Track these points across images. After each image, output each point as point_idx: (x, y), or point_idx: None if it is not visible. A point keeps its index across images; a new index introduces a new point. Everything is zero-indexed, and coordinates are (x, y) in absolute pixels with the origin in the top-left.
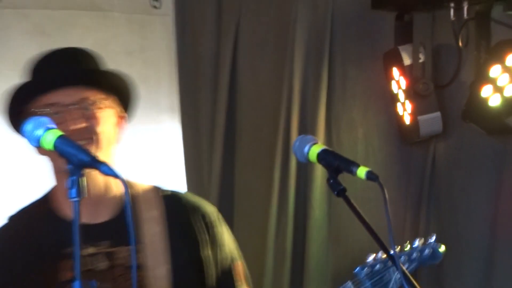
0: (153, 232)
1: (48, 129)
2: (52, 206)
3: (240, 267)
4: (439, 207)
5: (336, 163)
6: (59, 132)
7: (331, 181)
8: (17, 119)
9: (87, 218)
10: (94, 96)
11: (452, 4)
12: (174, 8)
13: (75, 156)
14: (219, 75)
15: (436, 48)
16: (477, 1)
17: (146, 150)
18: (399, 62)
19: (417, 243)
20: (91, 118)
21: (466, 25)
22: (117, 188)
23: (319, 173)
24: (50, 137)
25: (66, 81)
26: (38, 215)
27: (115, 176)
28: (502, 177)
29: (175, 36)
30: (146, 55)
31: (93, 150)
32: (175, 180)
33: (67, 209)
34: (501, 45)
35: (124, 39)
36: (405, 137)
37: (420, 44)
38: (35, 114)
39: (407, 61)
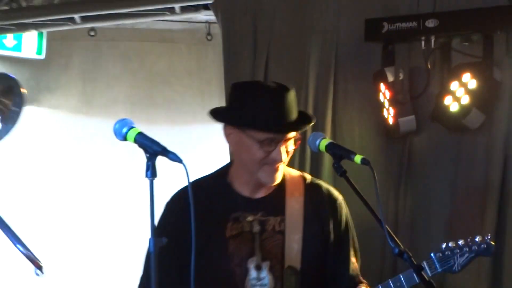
0: (294, 208)
1: (131, 127)
2: (228, 181)
3: (354, 242)
4: (413, 186)
5: (339, 152)
6: (138, 130)
7: (336, 165)
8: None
9: (250, 194)
10: (296, 135)
11: (423, 38)
12: (222, 40)
13: (150, 147)
14: None
15: (411, 69)
16: (441, 35)
17: (203, 146)
18: (384, 79)
19: (477, 238)
20: (288, 152)
21: (433, 52)
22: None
23: (326, 160)
24: (132, 133)
25: (287, 131)
26: (216, 185)
27: (180, 162)
28: (458, 162)
29: (223, 60)
30: (202, 75)
31: (279, 174)
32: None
33: (240, 187)
34: (458, 67)
35: (186, 63)
36: (389, 134)
37: (400, 66)
38: (257, 141)
39: (390, 78)
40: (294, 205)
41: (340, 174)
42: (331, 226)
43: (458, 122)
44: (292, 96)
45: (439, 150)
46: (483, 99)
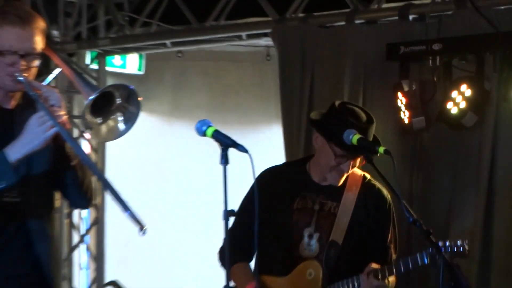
0: (348, 198)
1: (209, 126)
2: (307, 168)
3: (395, 234)
4: (424, 171)
5: (369, 145)
6: (214, 128)
7: (366, 154)
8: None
9: (319, 181)
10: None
11: (430, 57)
12: (278, 60)
13: (223, 141)
14: (303, 99)
15: (421, 81)
16: (444, 56)
17: (264, 142)
18: (401, 89)
19: (459, 242)
20: (354, 166)
21: (438, 69)
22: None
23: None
24: (209, 131)
25: (357, 155)
26: (294, 170)
27: (246, 152)
28: (457, 153)
29: (279, 76)
30: (263, 87)
31: (342, 179)
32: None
33: (313, 174)
34: (457, 80)
35: (251, 77)
36: (404, 130)
37: (413, 79)
38: (335, 153)
39: (406, 88)
40: (350, 196)
41: (369, 161)
42: (376, 217)
43: (457, 121)
44: (372, 128)
45: (443, 143)
46: (476, 104)
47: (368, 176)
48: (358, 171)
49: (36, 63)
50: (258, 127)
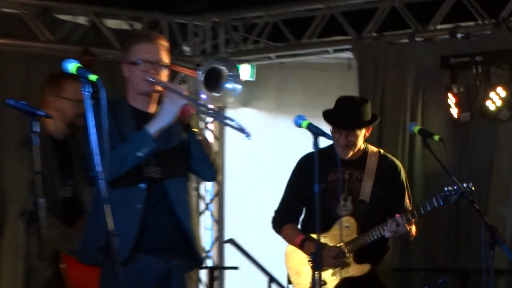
0: (370, 167)
1: (304, 120)
2: (334, 149)
3: (408, 192)
4: (470, 154)
5: (430, 135)
6: (308, 121)
7: (425, 141)
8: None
9: (343, 156)
10: (360, 131)
11: (474, 67)
12: (357, 70)
13: (315, 131)
14: (376, 99)
15: (467, 85)
16: (484, 65)
17: None
18: (452, 91)
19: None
20: (356, 138)
21: (480, 75)
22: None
23: (418, 142)
24: (305, 123)
25: (352, 128)
26: (329, 150)
27: (331, 139)
28: (495, 140)
29: (358, 82)
30: (346, 90)
31: (350, 152)
32: None
33: (340, 153)
34: (495, 84)
35: (336, 82)
36: (454, 123)
37: (461, 83)
38: (334, 132)
39: (455, 90)
40: (371, 165)
41: (426, 146)
42: (392, 179)
43: (495, 116)
44: (366, 106)
45: (484, 133)
46: (509, 102)
47: (382, 151)
48: (374, 148)
49: (164, 71)
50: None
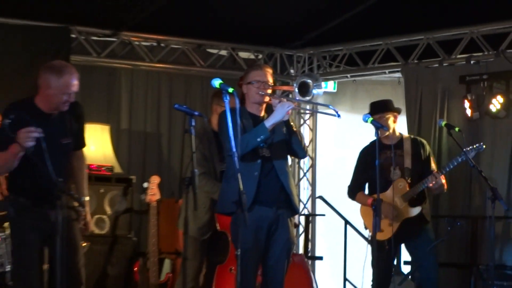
0: (406, 146)
1: (369, 117)
2: (381, 142)
3: (434, 160)
4: (478, 141)
5: (453, 127)
6: (372, 118)
7: (449, 132)
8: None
9: (387, 142)
10: (389, 114)
11: (481, 83)
12: (404, 85)
13: (376, 125)
14: (416, 106)
15: (477, 95)
16: (489, 82)
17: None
18: (467, 98)
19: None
20: (394, 122)
21: (485, 88)
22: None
23: (445, 133)
24: (370, 120)
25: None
26: (375, 145)
27: (387, 130)
28: (495, 132)
29: (405, 95)
30: (398, 101)
31: (385, 132)
32: None
33: (384, 140)
34: (496, 93)
35: (390, 94)
36: (469, 120)
37: (473, 94)
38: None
39: (469, 98)
40: (407, 145)
41: (450, 135)
42: (423, 153)
43: (495, 115)
44: (390, 105)
45: (489, 127)
46: (505, 106)
47: (412, 135)
48: (407, 134)
49: (269, 89)
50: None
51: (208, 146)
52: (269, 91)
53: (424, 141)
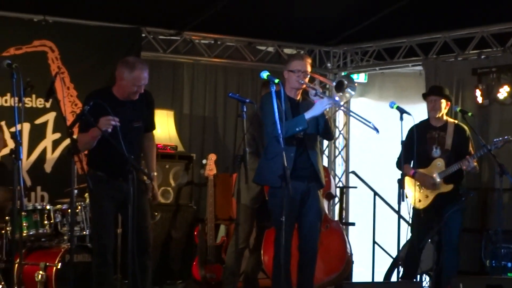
0: (449, 130)
1: (395, 104)
2: (429, 122)
3: (472, 142)
4: (491, 125)
5: (466, 112)
6: (397, 105)
7: (463, 116)
8: None
9: (434, 124)
10: (441, 100)
11: (491, 74)
12: (425, 76)
13: (401, 110)
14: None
15: (487, 84)
16: (497, 73)
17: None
18: (478, 88)
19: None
20: (440, 107)
21: (494, 79)
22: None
23: (460, 117)
24: (395, 106)
25: (438, 94)
26: (425, 124)
27: (410, 115)
28: (502, 117)
29: (425, 84)
30: (417, 90)
31: (437, 113)
32: None
33: (432, 121)
34: (503, 83)
35: (413, 84)
36: (479, 106)
37: (483, 83)
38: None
39: (480, 87)
40: (450, 129)
41: (464, 119)
42: (462, 137)
43: (503, 102)
44: (445, 91)
45: (497, 112)
46: (511, 94)
47: (457, 121)
48: (452, 120)
49: (307, 77)
50: (415, 106)
51: (258, 128)
52: (307, 80)
53: (466, 127)
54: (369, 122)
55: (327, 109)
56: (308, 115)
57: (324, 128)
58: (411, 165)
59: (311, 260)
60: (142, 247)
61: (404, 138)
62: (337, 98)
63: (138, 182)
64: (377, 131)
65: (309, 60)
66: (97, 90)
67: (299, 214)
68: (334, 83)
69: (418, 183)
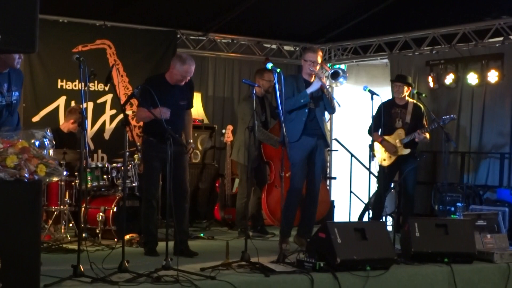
0: (409, 107)
1: (367, 88)
2: (394, 101)
3: (426, 119)
4: (438, 103)
5: (422, 94)
6: (369, 88)
7: (419, 97)
8: None
9: (399, 103)
10: (404, 86)
11: (439, 66)
12: (390, 67)
13: (372, 92)
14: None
15: (437, 73)
16: (444, 65)
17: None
18: (430, 75)
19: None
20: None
21: (442, 69)
22: None
23: (416, 98)
24: (367, 89)
25: (402, 81)
26: (391, 102)
27: (375, 94)
28: (449, 96)
29: (390, 73)
30: (385, 78)
31: (401, 95)
32: None
33: (397, 100)
34: (449, 72)
35: (380, 72)
36: (431, 90)
37: (434, 71)
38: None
39: (432, 75)
40: (410, 107)
41: (419, 99)
42: (418, 113)
43: (449, 86)
44: (409, 79)
45: (445, 93)
46: (455, 81)
47: (415, 101)
48: (411, 100)
49: (318, 66)
50: (382, 89)
51: (262, 106)
52: (318, 67)
53: (422, 106)
54: (334, 99)
55: (326, 88)
56: (309, 90)
57: (326, 103)
58: (379, 133)
59: (315, 197)
60: (181, 194)
61: (374, 113)
62: (327, 83)
63: (180, 145)
64: (339, 105)
65: (320, 53)
66: (153, 75)
67: (308, 162)
68: (331, 72)
69: (384, 147)
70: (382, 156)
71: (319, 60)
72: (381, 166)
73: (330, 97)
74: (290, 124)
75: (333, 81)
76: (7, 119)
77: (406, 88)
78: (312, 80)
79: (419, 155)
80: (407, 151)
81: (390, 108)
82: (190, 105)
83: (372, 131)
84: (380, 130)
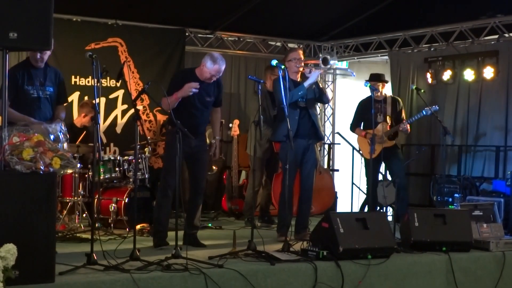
0: (388, 102)
1: (368, 83)
2: (373, 98)
3: (405, 111)
4: (436, 98)
5: (420, 90)
6: (370, 84)
7: (418, 92)
8: None
9: (378, 98)
10: (382, 84)
11: (437, 62)
12: (390, 63)
13: (372, 88)
14: (397, 76)
15: (435, 70)
16: (442, 62)
17: None
18: (428, 71)
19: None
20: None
21: (440, 65)
22: None
23: (415, 93)
24: (368, 85)
25: (380, 81)
26: (370, 100)
27: (375, 90)
28: (446, 92)
29: (390, 70)
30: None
31: (379, 93)
32: None
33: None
34: (446, 68)
35: (381, 69)
36: (429, 86)
37: (432, 68)
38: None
39: (430, 71)
40: (389, 101)
41: (418, 94)
42: (398, 107)
43: (447, 82)
44: (383, 77)
45: (442, 90)
46: (452, 77)
47: (392, 95)
48: (389, 94)
49: (302, 63)
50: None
51: (267, 102)
52: (302, 64)
53: (399, 99)
54: (347, 69)
55: (319, 78)
56: (307, 83)
57: (319, 93)
58: (361, 128)
59: (308, 195)
60: (196, 190)
61: (358, 108)
62: (322, 66)
63: (200, 141)
64: (353, 74)
65: (301, 51)
66: (185, 69)
67: (300, 163)
68: (320, 60)
69: (369, 140)
70: (366, 150)
71: (302, 56)
72: (366, 160)
73: (324, 89)
74: (283, 125)
75: (329, 66)
76: (37, 111)
77: (381, 85)
78: (298, 80)
79: (418, 148)
80: (392, 143)
81: (370, 104)
82: (218, 103)
83: (353, 127)
84: (362, 125)
